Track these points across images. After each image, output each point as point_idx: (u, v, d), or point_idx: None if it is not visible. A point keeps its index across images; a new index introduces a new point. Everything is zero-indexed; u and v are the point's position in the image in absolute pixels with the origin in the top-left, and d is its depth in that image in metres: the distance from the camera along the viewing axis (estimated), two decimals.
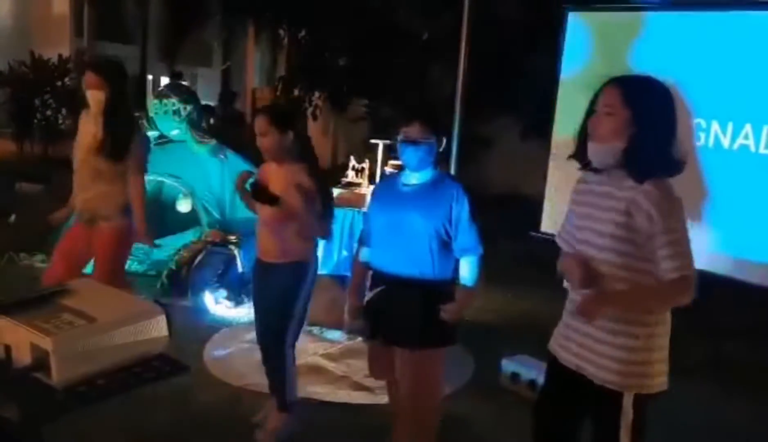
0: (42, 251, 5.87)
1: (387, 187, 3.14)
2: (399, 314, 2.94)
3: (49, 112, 12.49)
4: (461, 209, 2.87)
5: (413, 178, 2.96)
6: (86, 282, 2.22)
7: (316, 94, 11.73)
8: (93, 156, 3.72)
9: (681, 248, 2.13)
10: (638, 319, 2.23)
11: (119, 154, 3.72)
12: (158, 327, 1.95)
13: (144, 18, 13.79)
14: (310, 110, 11.83)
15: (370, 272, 3.09)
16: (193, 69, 18.85)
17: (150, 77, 16.18)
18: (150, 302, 2.03)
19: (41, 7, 15.52)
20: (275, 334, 3.39)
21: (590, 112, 2.26)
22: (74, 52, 13.94)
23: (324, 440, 3.55)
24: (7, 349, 1.83)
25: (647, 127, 2.16)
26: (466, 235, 2.89)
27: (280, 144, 3.28)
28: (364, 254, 3.11)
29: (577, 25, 5.37)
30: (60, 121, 12.43)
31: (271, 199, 3.22)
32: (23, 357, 1.80)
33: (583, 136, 2.29)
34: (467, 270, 2.94)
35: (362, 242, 3.16)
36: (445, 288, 2.94)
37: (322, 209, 3.26)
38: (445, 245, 2.90)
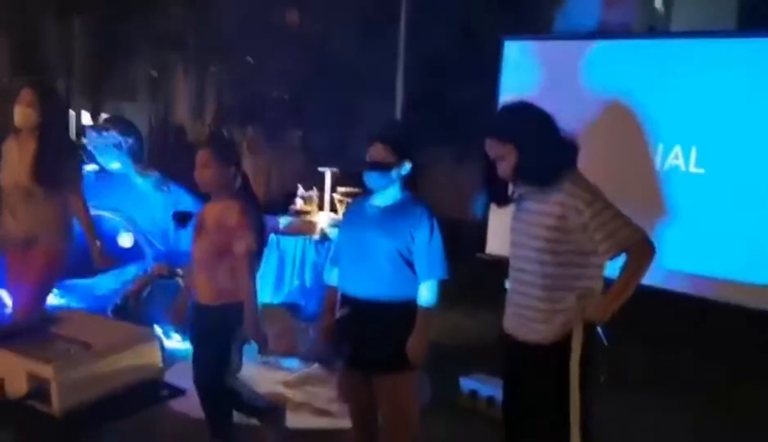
0: None
1: (356, 208, 3.16)
2: (370, 338, 2.95)
3: None
4: (424, 233, 2.90)
5: (379, 199, 2.99)
6: (72, 312, 2.18)
7: (249, 127, 11.71)
8: (25, 179, 3.62)
9: (615, 223, 2.42)
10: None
11: (54, 177, 3.63)
12: (152, 352, 1.95)
13: (67, 52, 13.48)
14: (244, 144, 11.80)
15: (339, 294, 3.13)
16: (118, 104, 18.44)
17: (72, 113, 15.76)
18: (142, 327, 2.03)
19: None
20: (214, 377, 3.24)
21: (489, 166, 2.61)
22: None
23: None
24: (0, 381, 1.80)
25: (530, 142, 2.51)
26: (426, 259, 2.91)
27: (221, 177, 3.20)
28: (330, 275, 3.15)
29: (514, 53, 5.62)
30: None
31: (186, 219, 3.17)
32: (18, 387, 1.77)
33: (493, 188, 2.70)
34: (425, 293, 2.93)
35: (332, 262, 3.19)
36: (411, 309, 2.95)
37: (255, 247, 3.18)
38: (410, 266, 2.94)
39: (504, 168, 2.54)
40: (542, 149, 2.50)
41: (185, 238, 5.95)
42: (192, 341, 3.40)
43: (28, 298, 3.58)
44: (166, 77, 15.83)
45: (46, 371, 1.70)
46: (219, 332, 3.20)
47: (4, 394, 1.78)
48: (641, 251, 2.44)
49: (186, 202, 5.94)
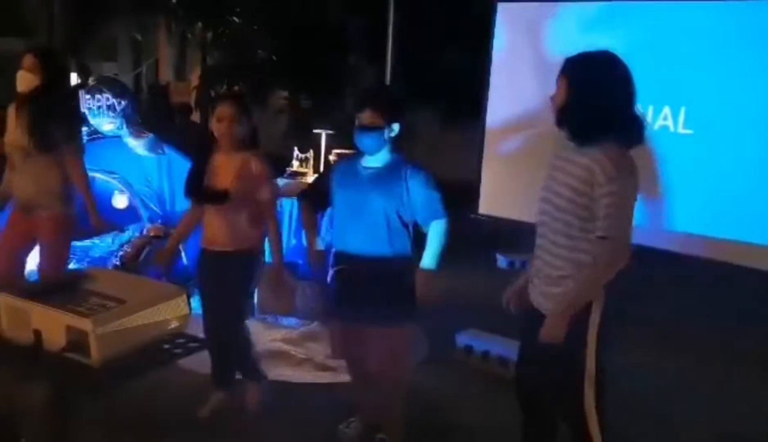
0: None
1: (346, 169, 3.24)
2: (366, 294, 3.08)
3: None
4: (415, 183, 3.03)
5: (371, 161, 3.10)
6: (101, 269, 2.27)
7: (235, 87, 11.66)
8: (26, 144, 3.67)
9: (616, 211, 2.31)
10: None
11: (52, 140, 3.68)
12: (181, 306, 2.05)
13: (49, 11, 13.26)
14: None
15: (333, 251, 3.25)
16: (98, 64, 18.21)
17: None
18: (169, 282, 2.12)
19: None
20: (235, 321, 3.43)
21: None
22: None
23: (296, 419, 3.67)
24: (37, 333, 1.89)
25: (584, 97, 2.40)
26: (426, 203, 3.03)
27: (238, 131, 3.30)
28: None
29: (507, 15, 5.65)
30: None
31: (221, 197, 3.25)
32: (55, 340, 1.86)
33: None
34: (436, 238, 3.03)
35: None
36: (407, 265, 3.11)
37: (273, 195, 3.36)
38: (404, 225, 3.08)
39: (555, 101, 2.46)
40: (590, 103, 2.38)
41: (179, 200, 6.01)
42: (205, 290, 3.45)
43: (47, 265, 3.70)
44: (150, 37, 15.63)
45: (84, 324, 1.79)
46: (239, 279, 3.35)
47: (42, 346, 1.86)
48: (609, 246, 2.33)
49: (179, 163, 5.98)
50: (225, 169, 3.30)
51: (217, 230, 3.34)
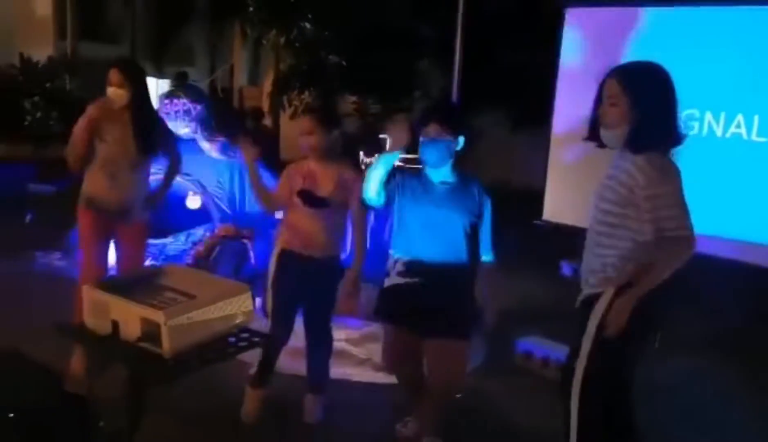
0: (58, 250, 6.02)
1: (416, 184, 3.26)
2: (435, 303, 3.14)
3: (39, 114, 12.50)
4: (486, 209, 3.17)
5: (435, 175, 3.17)
6: (173, 266, 2.42)
7: (306, 92, 11.90)
8: (124, 155, 3.87)
9: (669, 211, 2.40)
10: None
11: (152, 149, 3.92)
12: (246, 302, 2.17)
13: (132, 17, 13.85)
14: (301, 108, 12.01)
15: (396, 261, 3.27)
16: (176, 68, 18.86)
17: None
18: (235, 281, 2.24)
19: (23, 8, 15.47)
20: (326, 323, 3.59)
21: (599, 100, 2.57)
22: (62, 53, 13.95)
23: (356, 417, 3.77)
24: (115, 324, 2.04)
25: (647, 110, 2.46)
26: (485, 235, 3.17)
27: (326, 143, 3.39)
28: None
29: (575, 20, 5.63)
30: (51, 123, 12.46)
31: (322, 203, 3.36)
32: (131, 330, 2.00)
33: (594, 123, 2.61)
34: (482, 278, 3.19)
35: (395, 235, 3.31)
36: (472, 277, 3.19)
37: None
38: (473, 238, 3.16)
39: (612, 114, 2.51)
40: (651, 119, 2.45)
41: (250, 201, 6.22)
42: (296, 294, 3.51)
43: (132, 261, 3.95)
44: (225, 43, 16.08)
45: (158, 316, 1.91)
46: (333, 282, 3.49)
47: (119, 336, 2.01)
48: (677, 244, 2.41)
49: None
50: (322, 178, 3.40)
51: (311, 235, 3.42)
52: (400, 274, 3.25)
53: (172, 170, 4.17)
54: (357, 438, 3.57)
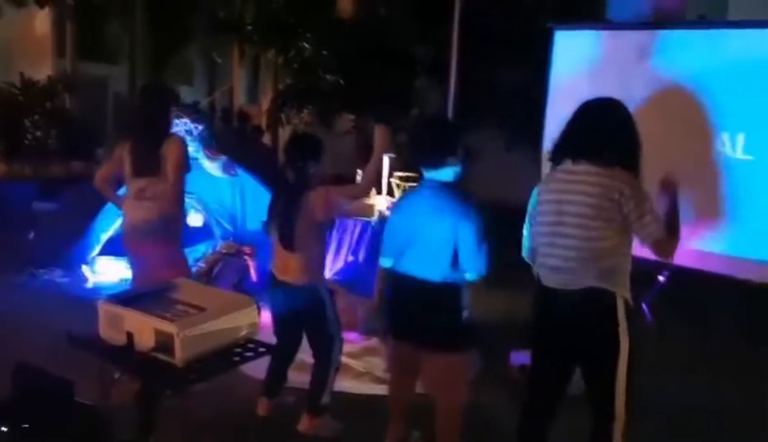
0: (60, 267, 6.15)
1: (409, 200, 3.47)
2: (421, 315, 3.26)
3: (38, 133, 12.64)
4: (467, 232, 3.17)
5: (432, 193, 3.29)
6: (182, 280, 2.54)
7: (304, 110, 12.08)
8: (163, 173, 4.06)
9: (654, 214, 2.80)
10: None
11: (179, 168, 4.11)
12: (252, 315, 2.30)
13: (131, 37, 14.02)
14: (300, 126, 12.17)
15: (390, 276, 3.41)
16: (175, 88, 19.03)
17: None
18: (241, 294, 2.37)
19: (23, 28, 15.62)
20: (318, 343, 3.75)
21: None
22: (61, 73, 14.10)
23: (357, 429, 3.88)
24: (129, 335, 2.17)
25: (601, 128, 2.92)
26: (469, 256, 3.18)
27: (306, 172, 3.63)
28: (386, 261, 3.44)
29: (564, 42, 5.81)
30: (50, 142, 12.60)
31: (290, 244, 3.62)
32: (145, 341, 2.13)
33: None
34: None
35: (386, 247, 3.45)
36: (458, 293, 3.26)
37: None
38: (458, 255, 3.22)
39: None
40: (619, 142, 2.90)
41: (251, 219, 6.35)
42: (283, 314, 3.73)
43: (148, 275, 4.01)
44: (225, 62, 16.24)
45: (171, 328, 2.04)
46: (312, 310, 3.68)
47: (134, 347, 2.13)
48: (665, 244, 2.83)
49: (251, 185, 6.32)
50: (297, 209, 3.59)
51: (285, 262, 3.66)
52: (389, 285, 3.41)
53: None
54: None
